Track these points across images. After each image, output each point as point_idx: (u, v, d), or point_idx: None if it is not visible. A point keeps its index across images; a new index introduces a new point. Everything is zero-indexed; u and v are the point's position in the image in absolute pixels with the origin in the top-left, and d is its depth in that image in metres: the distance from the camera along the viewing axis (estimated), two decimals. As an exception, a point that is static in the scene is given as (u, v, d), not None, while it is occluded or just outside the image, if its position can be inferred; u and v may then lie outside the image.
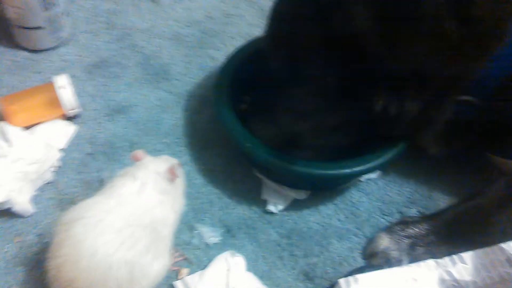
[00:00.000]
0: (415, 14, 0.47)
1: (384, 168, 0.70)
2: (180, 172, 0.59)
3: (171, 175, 0.56)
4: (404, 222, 0.63)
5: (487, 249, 0.51)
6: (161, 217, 0.53)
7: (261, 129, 0.64)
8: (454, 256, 0.51)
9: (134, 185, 0.54)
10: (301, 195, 0.66)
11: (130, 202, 0.52)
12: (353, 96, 0.57)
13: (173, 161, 0.59)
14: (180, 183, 0.59)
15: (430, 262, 0.51)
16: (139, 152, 0.58)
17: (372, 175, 0.71)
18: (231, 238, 0.64)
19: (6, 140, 0.67)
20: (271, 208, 0.66)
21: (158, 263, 0.52)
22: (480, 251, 0.51)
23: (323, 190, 0.69)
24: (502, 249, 0.51)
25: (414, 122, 0.58)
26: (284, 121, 0.63)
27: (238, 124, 0.64)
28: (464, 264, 0.51)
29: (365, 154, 0.61)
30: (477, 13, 0.48)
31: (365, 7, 0.48)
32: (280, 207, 0.66)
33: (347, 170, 0.60)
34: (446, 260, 0.51)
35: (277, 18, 0.59)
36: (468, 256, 0.51)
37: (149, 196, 0.53)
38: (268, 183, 0.67)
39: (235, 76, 0.71)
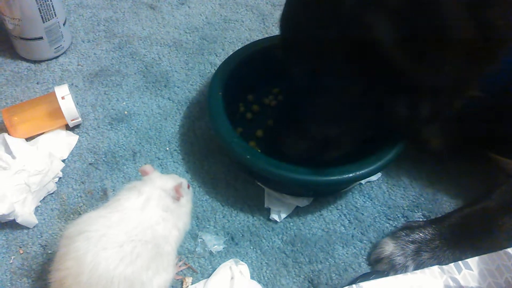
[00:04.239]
0: (435, 21, 0.47)
1: (385, 170, 0.69)
2: (186, 192, 0.59)
3: (177, 193, 0.56)
4: (409, 227, 0.63)
5: (493, 254, 0.50)
6: (163, 234, 0.53)
7: (292, 145, 0.63)
8: (460, 262, 0.51)
9: (139, 200, 0.53)
10: (304, 202, 0.66)
11: (133, 217, 0.52)
12: (371, 101, 0.56)
13: (181, 180, 0.59)
14: (186, 202, 0.58)
15: (435, 269, 0.51)
16: (147, 167, 0.58)
17: (373, 178, 0.70)
18: (235, 245, 0.64)
19: (9, 152, 0.67)
20: (275, 217, 0.66)
21: (159, 278, 0.51)
22: (485, 257, 0.51)
23: (324, 196, 0.68)
24: (508, 254, 0.50)
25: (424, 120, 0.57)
26: (315, 131, 0.62)
27: (235, 136, 0.63)
28: (469, 270, 0.50)
29: (364, 157, 0.61)
30: (491, 16, 0.48)
31: (385, 17, 0.47)
32: (284, 215, 0.66)
33: (350, 175, 0.59)
34: (451, 266, 0.51)
35: (291, 27, 0.58)
36: (473, 262, 0.51)
37: (152, 212, 0.53)
38: (270, 191, 0.67)
39: (231, 80, 0.71)
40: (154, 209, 0.54)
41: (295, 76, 0.60)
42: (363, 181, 0.70)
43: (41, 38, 0.81)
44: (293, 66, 0.59)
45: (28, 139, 0.71)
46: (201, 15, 0.96)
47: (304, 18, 0.54)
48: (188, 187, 0.60)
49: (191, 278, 0.61)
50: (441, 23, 0.47)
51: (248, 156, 0.61)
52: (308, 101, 0.60)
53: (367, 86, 0.54)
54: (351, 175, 0.59)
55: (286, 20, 0.58)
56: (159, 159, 0.73)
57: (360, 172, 0.59)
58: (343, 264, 0.63)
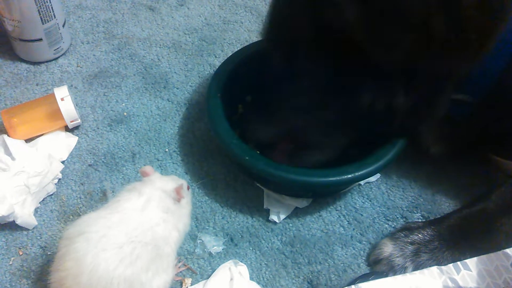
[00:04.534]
0: (402, 7, 0.47)
1: (384, 170, 0.69)
2: (187, 193, 0.59)
3: (177, 195, 0.56)
4: (408, 228, 0.63)
5: (492, 255, 0.51)
6: (163, 235, 0.53)
7: (258, 130, 0.64)
8: (458, 263, 0.51)
9: (139, 201, 0.54)
10: (303, 203, 0.66)
11: (133, 218, 0.52)
12: (344, 91, 0.56)
13: (181, 181, 0.59)
14: (186, 204, 0.58)
15: (434, 269, 0.51)
16: (148, 168, 0.58)
17: (372, 179, 0.70)
18: (234, 246, 0.64)
19: (8, 153, 0.67)
20: (274, 218, 0.66)
21: (159, 279, 0.51)
22: (484, 257, 0.51)
23: (323, 197, 0.69)
24: (507, 255, 0.50)
25: (406, 118, 0.57)
26: (281, 118, 0.62)
27: (234, 137, 0.63)
28: (468, 271, 0.50)
29: (363, 158, 0.61)
30: (464, 13, 0.48)
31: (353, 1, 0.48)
32: (283, 216, 0.66)
33: (349, 176, 0.59)
34: (450, 267, 0.51)
35: (273, 14, 0.59)
36: (472, 262, 0.51)
37: (152, 213, 0.53)
38: (269, 192, 0.67)
39: (230, 81, 0.71)
40: (154, 210, 0.54)
41: (273, 64, 0.60)
42: (362, 182, 0.70)
43: (40, 39, 0.81)
44: (273, 52, 0.59)
45: (27, 141, 0.71)
46: (200, 16, 0.96)
47: (284, 5, 0.56)
48: (188, 188, 0.61)
49: (191, 279, 0.61)
50: (405, 7, 0.47)
51: (247, 157, 0.61)
52: (280, 88, 0.60)
53: (335, 69, 0.54)
54: (350, 176, 0.59)
55: (271, 10, 0.59)
56: (158, 160, 0.73)
57: (359, 173, 0.59)
58: (342, 265, 0.63)
